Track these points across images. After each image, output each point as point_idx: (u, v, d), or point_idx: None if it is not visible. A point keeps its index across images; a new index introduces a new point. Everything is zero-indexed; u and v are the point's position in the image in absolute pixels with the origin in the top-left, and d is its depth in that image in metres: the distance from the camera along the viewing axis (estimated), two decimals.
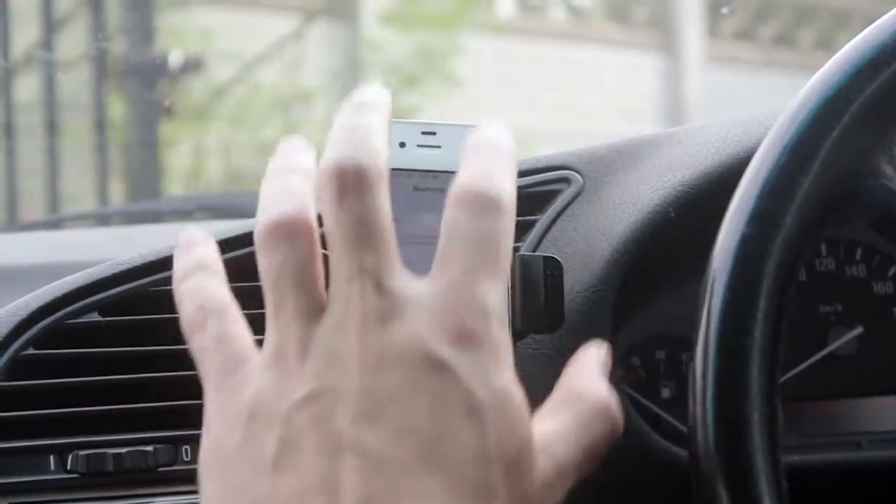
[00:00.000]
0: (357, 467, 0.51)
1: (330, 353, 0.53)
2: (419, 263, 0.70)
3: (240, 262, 0.81)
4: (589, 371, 0.59)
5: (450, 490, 0.51)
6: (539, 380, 0.78)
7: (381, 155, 0.56)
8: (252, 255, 0.80)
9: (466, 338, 0.53)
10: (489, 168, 0.57)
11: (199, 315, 0.56)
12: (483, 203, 0.55)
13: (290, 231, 0.55)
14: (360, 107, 0.58)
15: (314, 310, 0.54)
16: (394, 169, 0.73)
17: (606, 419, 0.58)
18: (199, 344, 0.56)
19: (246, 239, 0.82)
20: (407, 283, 0.54)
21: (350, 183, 0.54)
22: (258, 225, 0.56)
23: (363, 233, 0.54)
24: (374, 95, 0.59)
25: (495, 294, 0.54)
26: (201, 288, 0.57)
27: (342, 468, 0.51)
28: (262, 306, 0.77)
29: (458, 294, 0.54)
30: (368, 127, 0.56)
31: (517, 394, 0.54)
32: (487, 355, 0.53)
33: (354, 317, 0.53)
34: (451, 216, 0.56)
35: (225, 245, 0.81)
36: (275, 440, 0.52)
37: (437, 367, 0.52)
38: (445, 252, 0.55)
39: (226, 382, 0.55)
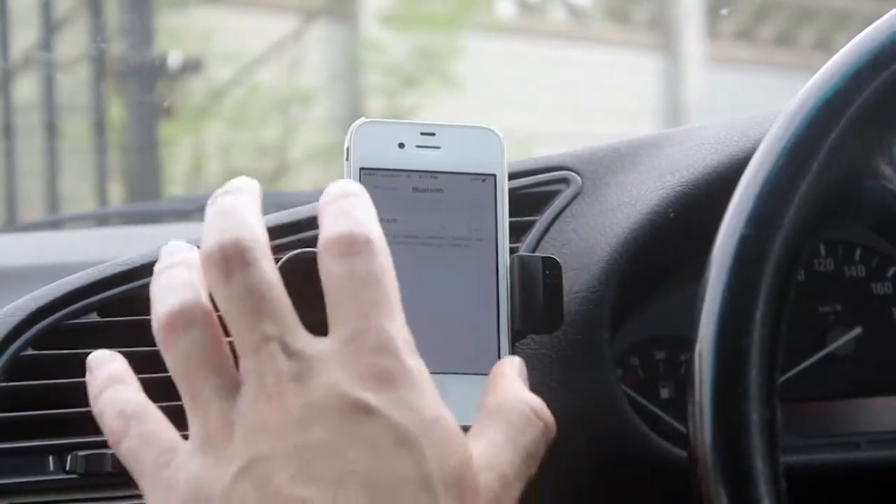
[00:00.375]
0: None
1: (254, 422, 0.54)
2: (417, 264, 0.70)
3: None
4: (508, 382, 0.61)
5: None
6: (538, 380, 0.79)
7: (256, 228, 0.57)
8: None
9: (383, 379, 0.54)
10: (346, 210, 0.58)
11: (121, 422, 0.57)
12: (351, 245, 0.57)
13: (187, 320, 0.56)
14: (228, 192, 0.59)
15: (229, 388, 0.55)
16: (393, 169, 0.73)
17: (536, 421, 0.59)
18: (127, 448, 0.57)
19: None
20: (311, 342, 0.55)
21: (233, 260, 0.55)
22: (154, 323, 0.57)
23: (257, 303, 0.55)
24: (242, 182, 0.60)
25: (397, 328, 0.55)
26: (117, 398, 0.58)
27: None
28: None
29: (362, 339, 0.55)
30: (239, 206, 0.58)
31: (446, 417, 0.55)
32: (408, 389, 0.54)
33: (270, 383, 0.54)
34: (324, 268, 0.57)
35: None
36: None
37: (361, 410, 0.53)
38: (334, 303, 0.56)
39: (160, 478, 0.56)
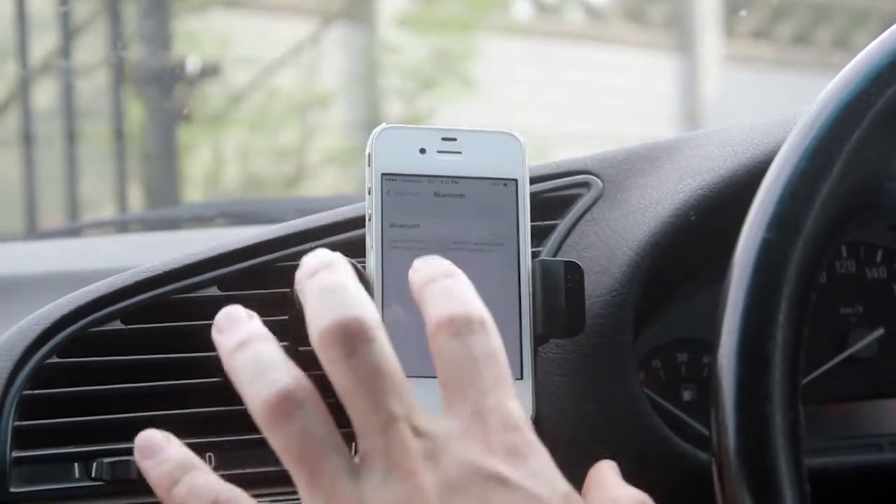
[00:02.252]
0: None
1: (390, 501, 0.54)
2: None
3: (261, 270, 0.82)
4: (611, 478, 0.65)
5: None
6: (560, 384, 0.79)
7: (369, 305, 0.57)
8: (273, 261, 0.81)
9: (512, 451, 0.55)
10: (451, 291, 0.59)
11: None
12: (466, 325, 0.57)
13: (298, 399, 0.55)
14: (326, 267, 0.59)
15: (352, 467, 0.55)
16: (414, 175, 0.74)
17: None
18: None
19: (266, 247, 0.82)
20: (435, 421, 0.56)
21: (356, 337, 0.55)
22: (256, 404, 0.56)
23: (382, 382, 0.55)
24: (331, 256, 0.60)
25: (515, 405, 0.57)
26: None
27: None
28: (283, 312, 0.78)
29: (486, 417, 0.56)
30: (346, 283, 0.58)
31: (574, 492, 0.57)
32: (537, 461, 0.56)
33: (403, 462, 0.54)
34: (439, 346, 0.57)
35: (246, 253, 0.82)
36: None
37: (500, 482, 0.54)
38: (451, 381, 0.57)
39: None
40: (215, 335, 0.59)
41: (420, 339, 0.60)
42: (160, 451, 0.59)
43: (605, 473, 0.65)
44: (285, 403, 0.55)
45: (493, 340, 0.58)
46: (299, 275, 0.59)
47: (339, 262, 0.59)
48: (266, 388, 0.56)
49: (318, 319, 0.56)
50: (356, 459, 0.56)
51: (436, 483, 0.54)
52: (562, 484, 0.56)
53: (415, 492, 0.53)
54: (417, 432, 0.55)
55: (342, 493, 0.54)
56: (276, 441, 0.56)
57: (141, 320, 0.80)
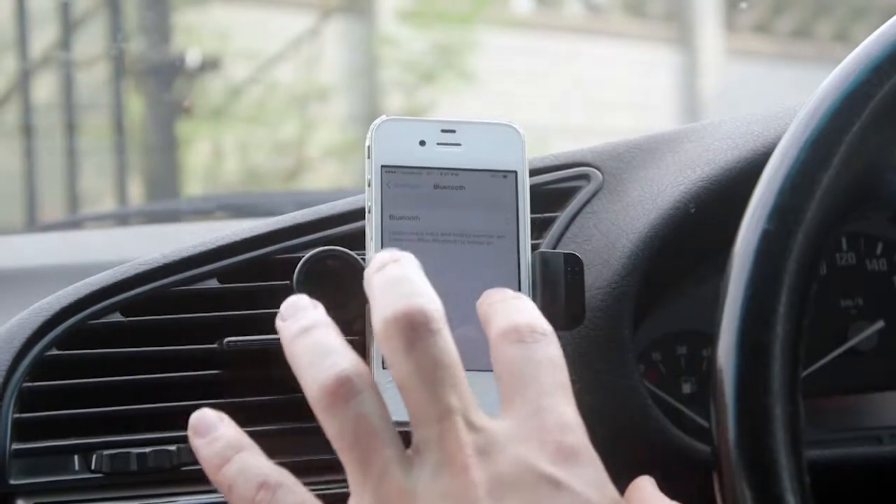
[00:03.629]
0: None
1: (439, 493, 0.54)
2: (438, 261, 0.70)
3: (261, 262, 0.82)
4: (650, 492, 0.65)
5: None
6: None
7: (435, 298, 0.57)
8: (273, 253, 0.81)
9: (567, 454, 0.55)
10: (519, 307, 0.60)
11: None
12: (530, 333, 0.58)
13: (355, 386, 0.55)
14: (394, 261, 0.59)
15: (404, 457, 0.55)
16: (414, 167, 0.74)
17: None
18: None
19: (267, 238, 0.82)
20: (489, 418, 0.56)
21: (419, 328, 0.55)
22: (314, 388, 0.56)
23: (442, 374, 0.55)
24: (397, 252, 0.60)
25: (572, 410, 0.57)
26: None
27: None
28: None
29: (543, 418, 0.56)
30: (412, 275, 0.58)
31: (623, 501, 0.58)
32: (591, 467, 0.56)
33: (454, 454, 0.54)
34: (501, 352, 0.58)
35: (245, 245, 0.82)
36: None
37: (552, 483, 0.54)
38: (510, 383, 0.57)
39: None
40: (278, 323, 0.60)
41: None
42: (213, 430, 0.59)
43: (645, 488, 0.65)
44: (343, 388, 0.55)
45: (556, 350, 0.58)
46: (368, 270, 0.59)
47: (407, 257, 0.59)
48: (324, 372, 0.56)
49: (382, 309, 0.56)
50: (409, 452, 0.56)
51: (487, 479, 0.53)
52: (612, 490, 0.56)
53: (466, 486, 0.53)
54: (473, 427, 0.55)
55: (393, 482, 0.54)
56: (331, 426, 0.55)
57: (140, 312, 0.80)
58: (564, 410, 0.57)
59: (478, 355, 0.68)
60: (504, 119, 0.75)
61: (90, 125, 3.16)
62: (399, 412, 0.59)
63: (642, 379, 0.82)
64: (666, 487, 0.82)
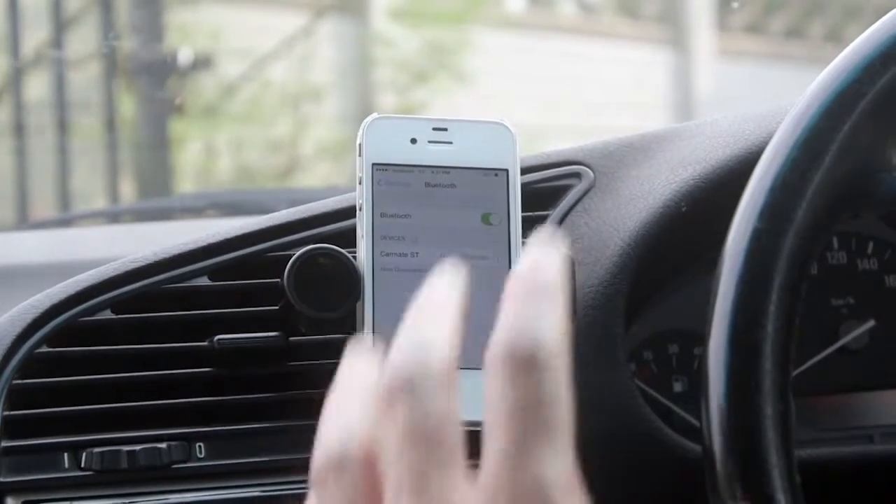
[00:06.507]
0: None
1: None
2: (431, 262, 0.70)
3: (252, 260, 0.81)
4: None
5: None
6: None
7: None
8: (264, 251, 0.81)
9: None
10: (528, 315, 0.49)
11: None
12: (519, 363, 0.48)
13: (341, 465, 0.48)
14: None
15: None
16: (405, 165, 0.74)
17: None
18: None
19: (257, 237, 0.82)
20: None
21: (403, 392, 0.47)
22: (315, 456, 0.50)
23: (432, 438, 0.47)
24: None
25: (555, 466, 0.47)
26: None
27: None
28: (273, 302, 0.78)
29: (511, 473, 0.47)
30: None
31: None
32: None
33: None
34: (488, 383, 0.49)
35: (236, 243, 0.82)
36: None
37: None
38: (489, 426, 0.48)
39: None
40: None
41: None
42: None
43: None
44: (327, 466, 0.49)
45: (554, 385, 0.48)
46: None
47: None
48: (323, 440, 0.50)
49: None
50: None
51: None
52: None
53: None
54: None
55: None
56: (315, 501, 0.50)
57: (131, 310, 0.80)
58: (536, 465, 0.47)
59: (468, 353, 0.68)
60: (495, 117, 0.75)
61: (82, 123, 3.16)
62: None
63: (633, 377, 0.82)
64: (656, 485, 0.82)
